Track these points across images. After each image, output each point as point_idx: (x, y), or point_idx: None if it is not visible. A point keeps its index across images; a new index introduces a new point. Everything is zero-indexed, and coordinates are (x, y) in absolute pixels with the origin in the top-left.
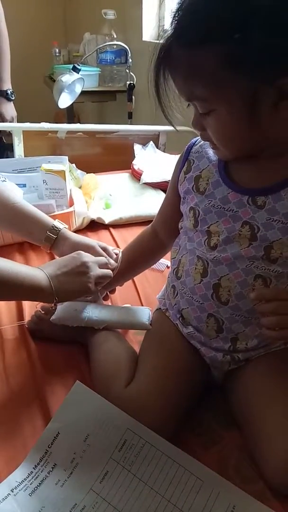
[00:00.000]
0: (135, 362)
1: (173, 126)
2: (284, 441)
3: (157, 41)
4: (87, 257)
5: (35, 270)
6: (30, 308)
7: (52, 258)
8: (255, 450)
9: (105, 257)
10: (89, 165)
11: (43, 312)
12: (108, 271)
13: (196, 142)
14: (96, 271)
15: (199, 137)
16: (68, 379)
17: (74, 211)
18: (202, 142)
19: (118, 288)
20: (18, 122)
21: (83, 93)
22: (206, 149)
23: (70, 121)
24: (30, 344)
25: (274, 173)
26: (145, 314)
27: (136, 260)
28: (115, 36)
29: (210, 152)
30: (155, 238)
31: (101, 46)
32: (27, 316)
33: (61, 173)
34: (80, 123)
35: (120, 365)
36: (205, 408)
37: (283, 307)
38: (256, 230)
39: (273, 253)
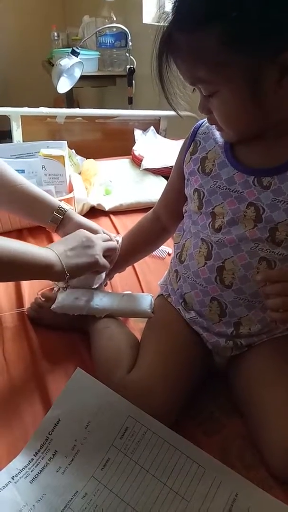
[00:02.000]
0: (137, 348)
1: (177, 112)
2: (286, 424)
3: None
4: (89, 233)
5: (43, 248)
6: (30, 295)
7: None
8: (257, 437)
9: (108, 235)
10: (88, 150)
11: (43, 299)
12: (113, 243)
13: (203, 123)
14: (101, 243)
15: (206, 119)
16: (69, 367)
17: (74, 197)
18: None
19: (119, 275)
20: (16, 107)
21: (82, 78)
22: (213, 130)
23: (70, 106)
24: (30, 332)
25: (280, 153)
26: (147, 301)
27: (137, 245)
28: (114, 19)
29: (217, 133)
30: (157, 222)
31: (100, 29)
32: (27, 303)
33: (60, 158)
34: (80, 108)
35: (121, 352)
36: (207, 395)
37: None
38: (261, 211)
39: (278, 235)
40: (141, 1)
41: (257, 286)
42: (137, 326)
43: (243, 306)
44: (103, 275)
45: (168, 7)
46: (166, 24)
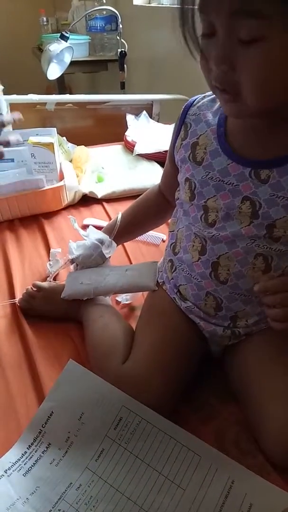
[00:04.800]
0: (132, 337)
1: (194, 57)
2: (284, 412)
3: (149, 5)
4: None
5: None
6: (21, 286)
7: (44, 235)
8: (254, 424)
9: None
10: (80, 137)
11: (35, 289)
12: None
13: (194, 103)
14: None
15: (201, 95)
16: (63, 358)
17: (65, 185)
18: (201, 103)
19: (112, 261)
20: (6, 95)
21: (73, 63)
22: (205, 111)
23: (62, 93)
24: (22, 323)
25: (280, 143)
26: (150, 273)
27: (141, 215)
28: (104, 1)
29: (209, 115)
30: (162, 196)
31: (89, 12)
32: (19, 294)
33: (50, 146)
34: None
35: (116, 341)
36: (202, 382)
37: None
38: (258, 207)
39: (276, 232)
40: None
41: (255, 290)
42: (133, 314)
43: (240, 301)
44: (112, 249)
45: None
46: None
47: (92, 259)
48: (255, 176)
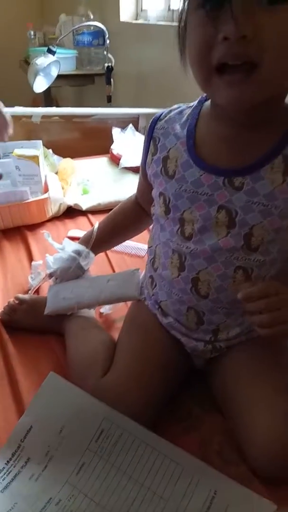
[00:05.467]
0: (113, 350)
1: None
2: (266, 419)
3: (135, 22)
4: None
5: None
6: (3, 298)
7: (27, 247)
8: (237, 434)
9: None
10: (66, 150)
11: (16, 301)
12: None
13: (161, 117)
14: None
15: (167, 109)
16: (44, 371)
17: (49, 197)
18: (168, 117)
19: (96, 273)
20: None
21: (60, 77)
22: (173, 124)
23: (48, 106)
24: (3, 336)
25: (250, 150)
26: (133, 283)
27: (118, 225)
28: (91, 17)
29: (178, 127)
30: (139, 205)
31: (77, 27)
32: (0, 307)
33: (35, 158)
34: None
35: (97, 354)
36: (185, 392)
37: (274, 303)
38: (234, 215)
39: (253, 240)
40: None
41: (238, 299)
42: (114, 325)
43: (221, 313)
44: (90, 260)
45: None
46: None
47: (71, 272)
48: (229, 184)
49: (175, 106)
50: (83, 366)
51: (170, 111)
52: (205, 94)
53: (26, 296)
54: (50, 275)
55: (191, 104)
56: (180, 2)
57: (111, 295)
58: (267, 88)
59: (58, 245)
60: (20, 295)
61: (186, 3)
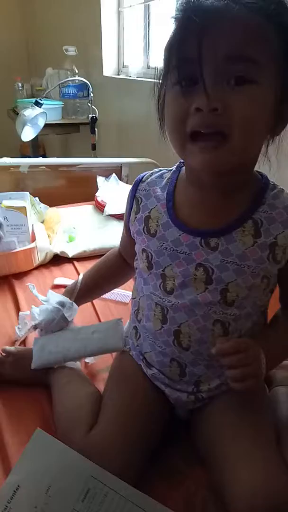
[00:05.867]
0: (99, 404)
1: (162, 135)
2: (246, 474)
3: (118, 76)
4: None
5: None
6: None
7: (14, 296)
8: (221, 489)
9: None
10: (52, 197)
11: (3, 354)
12: None
13: (143, 179)
14: None
15: (148, 172)
16: (31, 426)
17: (36, 246)
18: (150, 179)
19: (81, 321)
20: None
21: (47, 125)
22: (154, 187)
23: (35, 152)
24: None
25: (224, 213)
26: (117, 334)
27: (101, 276)
28: (76, 71)
29: (158, 190)
30: (122, 258)
31: (63, 81)
32: None
33: (22, 209)
34: (45, 154)
35: (82, 410)
36: (169, 445)
37: (244, 359)
38: (211, 273)
39: (229, 296)
40: (102, 56)
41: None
42: (100, 376)
43: (202, 365)
44: (74, 311)
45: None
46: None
47: (55, 323)
48: (205, 245)
49: (156, 170)
50: (68, 421)
51: (152, 174)
52: (182, 160)
53: (12, 348)
54: (35, 327)
55: (171, 168)
56: (158, 81)
57: (96, 348)
58: (237, 156)
59: (43, 297)
60: (7, 347)
61: (165, 78)
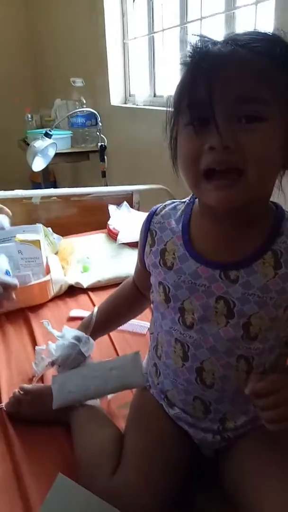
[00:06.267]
0: (120, 443)
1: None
2: None
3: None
4: None
5: None
6: (8, 387)
7: (30, 330)
8: None
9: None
10: (65, 227)
11: (22, 392)
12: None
13: (157, 211)
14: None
15: (162, 204)
16: (52, 467)
17: (51, 279)
18: (164, 212)
19: (98, 353)
20: None
21: (57, 154)
22: (169, 219)
23: (46, 180)
24: (8, 429)
25: (242, 245)
26: (136, 369)
27: (117, 310)
28: (84, 102)
29: (173, 223)
30: (136, 288)
31: (71, 113)
32: (5, 397)
33: (36, 243)
34: (55, 181)
35: (103, 451)
36: (196, 486)
37: (281, 399)
38: (232, 306)
39: (252, 329)
40: (108, 86)
41: (243, 393)
42: (120, 413)
43: (227, 402)
44: (90, 346)
45: (134, 89)
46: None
47: (72, 359)
48: (225, 277)
49: (169, 202)
50: (90, 464)
51: (165, 206)
52: None
53: (30, 386)
54: (53, 363)
55: (184, 200)
56: (170, 114)
57: (116, 386)
58: (252, 191)
59: (58, 333)
60: (25, 386)
61: (176, 119)
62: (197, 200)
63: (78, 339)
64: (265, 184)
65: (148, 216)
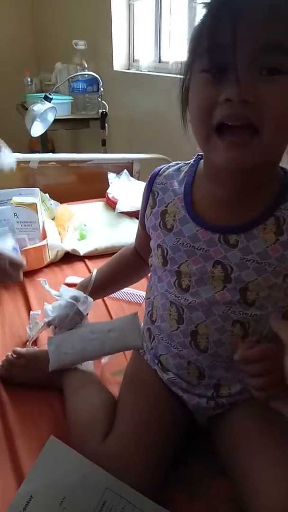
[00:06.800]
0: (113, 409)
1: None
2: (276, 491)
3: (128, 71)
4: None
5: None
6: (1, 350)
7: (25, 295)
8: (245, 501)
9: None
10: (63, 194)
11: (15, 355)
12: (20, 258)
13: (160, 172)
14: (8, 255)
15: (165, 165)
16: (44, 431)
17: (47, 244)
18: (167, 172)
19: (94, 320)
20: None
21: (56, 120)
22: (171, 181)
23: (44, 148)
24: (1, 393)
25: (245, 210)
26: (135, 331)
27: (117, 273)
28: (86, 66)
29: (176, 184)
30: (137, 254)
31: (72, 76)
32: None
33: (33, 206)
34: (54, 149)
35: (96, 415)
36: (189, 454)
37: (270, 367)
38: (230, 271)
39: (249, 295)
40: (112, 50)
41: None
42: (114, 379)
43: (221, 368)
44: (89, 304)
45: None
46: None
47: (69, 319)
48: (224, 241)
49: (173, 163)
50: (82, 428)
51: (169, 167)
52: (200, 152)
53: (23, 350)
54: (49, 324)
55: (188, 161)
56: (184, 62)
57: (115, 347)
58: (267, 153)
59: (55, 292)
60: (18, 349)
61: (190, 66)
62: (201, 161)
63: (76, 298)
64: (279, 146)
65: (150, 177)
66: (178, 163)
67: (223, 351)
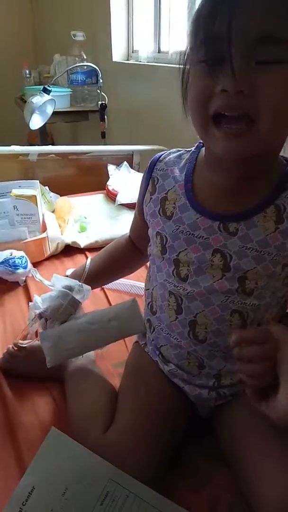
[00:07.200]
0: (114, 401)
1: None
2: (280, 480)
3: (127, 62)
4: None
5: None
6: (2, 343)
7: (25, 288)
8: (248, 492)
9: None
10: (62, 186)
11: (15, 348)
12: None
13: (161, 158)
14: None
15: (166, 151)
16: (45, 423)
17: (47, 236)
18: (168, 159)
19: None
20: None
21: (55, 113)
22: (172, 167)
23: (43, 141)
24: (2, 384)
25: (245, 198)
26: (136, 317)
27: (111, 264)
28: (85, 57)
29: (176, 171)
30: (132, 244)
31: (71, 67)
32: (0, 352)
33: (33, 198)
34: (53, 142)
35: (97, 406)
36: (192, 446)
37: (264, 351)
38: (229, 259)
39: (248, 284)
40: (110, 41)
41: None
42: (116, 371)
43: (220, 357)
44: (86, 292)
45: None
46: None
47: (62, 310)
48: (224, 229)
49: (174, 150)
50: (84, 419)
51: (170, 153)
52: (201, 141)
53: (24, 343)
54: (40, 316)
55: (189, 148)
56: (183, 52)
57: (118, 336)
58: (265, 142)
59: (48, 282)
60: (19, 342)
61: (189, 56)
62: (203, 149)
63: (69, 288)
64: (277, 135)
65: (151, 163)
66: (179, 150)
67: (221, 341)
